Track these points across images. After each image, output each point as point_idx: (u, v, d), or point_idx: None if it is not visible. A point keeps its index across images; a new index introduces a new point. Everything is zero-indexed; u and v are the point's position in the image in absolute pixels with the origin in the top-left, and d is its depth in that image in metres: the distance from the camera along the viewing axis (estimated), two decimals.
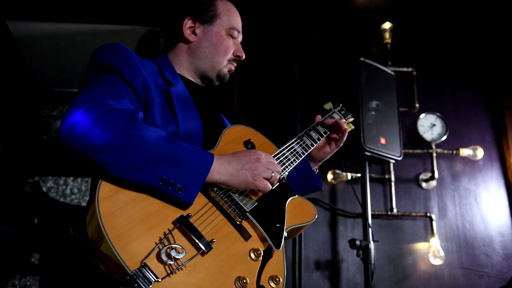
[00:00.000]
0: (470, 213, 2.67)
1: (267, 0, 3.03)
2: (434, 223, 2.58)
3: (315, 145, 1.33)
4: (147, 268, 0.78)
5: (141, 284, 0.76)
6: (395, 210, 2.59)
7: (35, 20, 2.95)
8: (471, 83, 2.95)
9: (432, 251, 2.51)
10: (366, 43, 3.00)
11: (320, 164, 1.45)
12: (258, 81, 2.87)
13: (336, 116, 1.45)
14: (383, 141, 2.32)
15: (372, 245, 2.18)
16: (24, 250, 2.66)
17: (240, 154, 1.04)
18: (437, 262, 2.49)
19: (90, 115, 0.88)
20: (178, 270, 0.82)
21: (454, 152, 2.70)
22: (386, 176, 2.66)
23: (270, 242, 0.99)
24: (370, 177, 2.47)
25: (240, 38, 1.39)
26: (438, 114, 2.77)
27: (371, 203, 2.38)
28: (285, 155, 1.21)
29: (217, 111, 1.39)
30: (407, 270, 2.52)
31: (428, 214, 2.60)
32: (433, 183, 2.69)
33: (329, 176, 2.61)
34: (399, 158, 2.38)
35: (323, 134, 1.38)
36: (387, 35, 2.87)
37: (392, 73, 2.57)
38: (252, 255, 0.95)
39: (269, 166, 1.05)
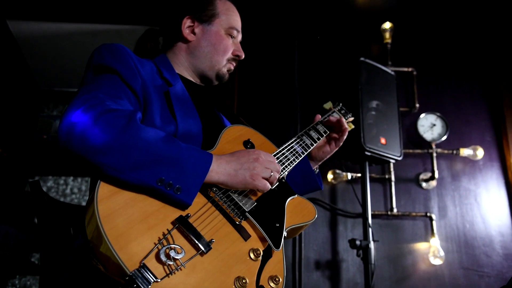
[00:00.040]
0: (470, 213, 2.67)
1: (267, 0, 3.03)
2: (434, 223, 2.57)
3: (315, 144, 1.33)
4: (146, 269, 0.78)
5: (140, 285, 0.75)
6: (395, 210, 2.59)
7: (35, 20, 2.95)
8: (471, 83, 2.95)
9: (432, 251, 2.51)
10: (366, 43, 3.00)
11: (320, 163, 1.45)
12: (258, 81, 2.86)
13: (336, 116, 1.44)
14: (383, 141, 2.32)
15: (372, 245, 2.18)
16: (24, 250, 2.66)
17: (239, 154, 1.04)
18: (437, 262, 2.49)
19: (88, 116, 0.88)
20: (177, 270, 0.82)
21: (454, 152, 2.70)
22: (386, 176, 2.66)
23: (269, 242, 0.99)
24: (370, 177, 2.47)
25: (239, 37, 1.38)
26: (438, 114, 2.77)
27: (371, 203, 2.38)
28: (284, 155, 1.21)
29: (217, 110, 1.38)
30: (407, 270, 2.52)
31: (428, 214, 2.60)
32: (433, 183, 2.68)
33: (329, 176, 2.61)
34: (399, 158, 2.38)
35: (323, 133, 1.38)
36: (387, 35, 2.87)
37: (392, 73, 2.57)
38: (252, 255, 0.94)
39: (268, 165, 1.04)
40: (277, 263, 0.99)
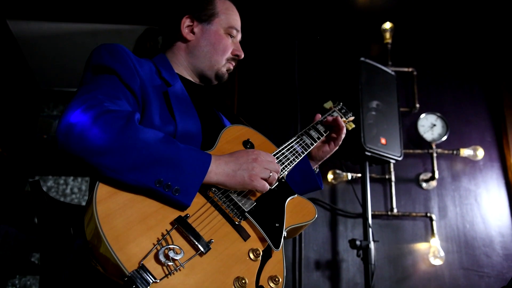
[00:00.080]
0: (471, 213, 2.66)
1: (267, 0, 3.03)
2: (434, 223, 2.57)
3: (315, 144, 1.32)
4: (145, 269, 0.78)
5: (139, 285, 0.75)
6: (395, 210, 2.59)
7: (35, 20, 2.95)
8: (471, 83, 2.95)
9: (432, 251, 2.50)
10: (367, 43, 2.99)
11: (320, 163, 1.45)
12: (258, 81, 2.86)
13: (336, 115, 1.44)
14: (383, 141, 2.32)
15: (372, 245, 2.18)
16: (24, 250, 2.66)
17: (237, 154, 1.03)
18: (437, 262, 2.48)
19: (86, 117, 0.87)
20: (176, 271, 0.82)
21: (455, 152, 2.69)
22: (387, 176, 2.65)
23: (269, 242, 0.98)
24: (370, 177, 2.47)
25: (239, 37, 1.38)
26: (438, 114, 2.76)
27: (371, 203, 2.37)
28: (284, 155, 1.21)
29: (217, 110, 1.38)
30: (407, 270, 2.52)
31: (428, 214, 2.60)
32: (434, 183, 2.68)
33: (330, 176, 2.61)
34: (400, 158, 2.38)
35: (323, 133, 1.37)
36: (387, 35, 2.87)
37: (393, 73, 2.57)
38: (251, 255, 0.94)
39: (267, 165, 1.04)
40: (277, 263, 0.99)
